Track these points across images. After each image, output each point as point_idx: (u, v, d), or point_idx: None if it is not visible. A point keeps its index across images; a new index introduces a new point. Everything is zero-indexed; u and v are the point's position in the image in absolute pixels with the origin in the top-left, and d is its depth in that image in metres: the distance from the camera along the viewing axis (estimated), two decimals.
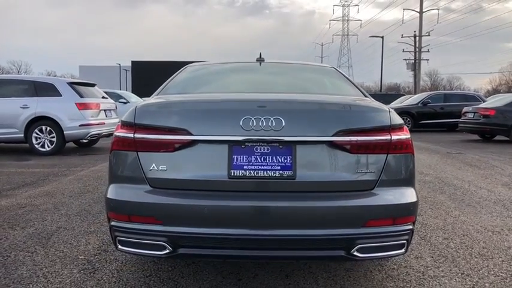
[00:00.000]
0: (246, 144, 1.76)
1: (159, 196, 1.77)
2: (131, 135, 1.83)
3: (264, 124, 1.74)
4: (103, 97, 8.28)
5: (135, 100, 14.46)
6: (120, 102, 12.30)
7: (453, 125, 12.99)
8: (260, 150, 1.77)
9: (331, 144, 1.78)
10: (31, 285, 2.15)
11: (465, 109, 11.02)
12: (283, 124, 1.75)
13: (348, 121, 1.81)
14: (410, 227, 1.82)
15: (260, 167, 1.75)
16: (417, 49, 32.50)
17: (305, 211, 1.71)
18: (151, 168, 1.80)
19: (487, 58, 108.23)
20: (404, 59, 33.33)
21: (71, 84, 7.62)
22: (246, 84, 2.64)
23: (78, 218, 3.39)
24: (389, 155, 1.83)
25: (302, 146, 1.77)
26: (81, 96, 7.45)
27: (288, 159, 1.76)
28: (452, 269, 2.40)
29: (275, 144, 1.77)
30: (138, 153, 1.82)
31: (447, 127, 14.20)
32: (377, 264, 2.44)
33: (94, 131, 7.53)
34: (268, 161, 1.76)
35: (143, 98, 16.02)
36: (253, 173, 1.75)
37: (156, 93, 2.42)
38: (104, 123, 7.82)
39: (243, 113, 1.76)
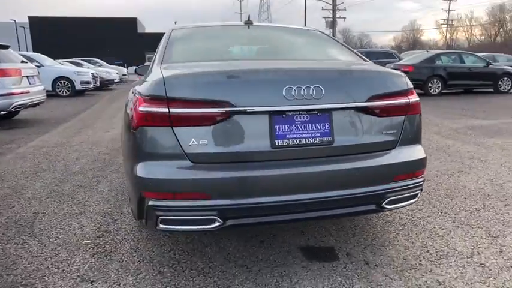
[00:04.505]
0: (287, 113, 1.79)
1: (204, 171, 1.73)
2: (165, 109, 1.71)
3: (306, 93, 1.78)
4: (22, 61, 7.21)
5: (50, 63, 12.86)
6: None
7: None
8: (300, 118, 1.81)
9: (363, 109, 1.90)
10: (46, 278, 1.98)
11: (388, 66, 12.07)
12: (323, 92, 1.81)
13: (378, 87, 1.93)
14: (423, 179, 2.08)
15: (301, 135, 1.81)
16: (335, 7, 33.77)
17: (344, 173, 1.84)
18: (190, 143, 1.73)
19: (391, 17, 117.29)
20: (324, 17, 34.52)
21: None
22: (254, 50, 2.59)
23: (53, 200, 3.09)
24: (406, 116, 2.02)
25: (338, 112, 1.86)
26: None
27: (326, 125, 1.84)
28: (432, 209, 2.81)
29: (314, 112, 1.83)
30: (174, 128, 1.72)
31: None
32: (373, 214, 2.74)
33: (18, 101, 6.59)
34: (309, 128, 1.82)
35: (58, 61, 14.05)
36: (296, 141, 1.80)
37: (157, 62, 2.24)
38: (29, 92, 6.89)
39: (284, 83, 1.77)
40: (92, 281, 1.95)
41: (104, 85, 16.49)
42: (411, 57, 12.75)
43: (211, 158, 1.75)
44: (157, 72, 1.94)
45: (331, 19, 33.68)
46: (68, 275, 2.01)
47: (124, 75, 22.53)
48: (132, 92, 2.39)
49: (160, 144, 1.75)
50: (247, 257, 2.17)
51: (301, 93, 1.78)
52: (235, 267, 2.06)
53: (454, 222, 2.58)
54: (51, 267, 2.09)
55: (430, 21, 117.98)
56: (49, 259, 2.17)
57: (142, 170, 1.78)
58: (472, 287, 1.84)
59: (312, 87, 1.79)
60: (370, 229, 2.51)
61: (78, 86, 13.12)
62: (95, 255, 2.20)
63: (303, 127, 1.81)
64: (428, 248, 2.23)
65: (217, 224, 1.75)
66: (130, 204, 2.23)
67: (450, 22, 61.78)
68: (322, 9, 34.10)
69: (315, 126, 1.83)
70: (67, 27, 40.49)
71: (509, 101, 10.14)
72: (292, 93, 1.77)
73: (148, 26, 55.02)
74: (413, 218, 2.67)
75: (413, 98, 2.05)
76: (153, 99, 1.75)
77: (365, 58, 2.54)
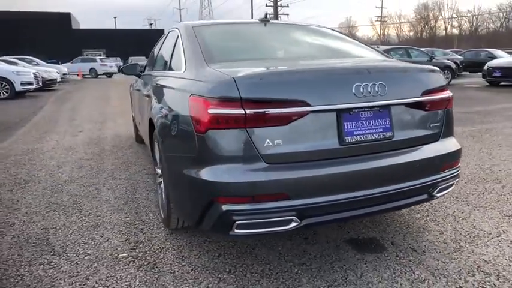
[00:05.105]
0: (354, 110, 1.82)
1: (281, 171, 1.70)
2: (240, 111, 1.65)
3: (372, 90, 1.82)
4: None
5: None
6: None
7: None
8: (365, 115, 1.85)
9: (417, 104, 1.99)
10: None
11: None
12: (386, 89, 1.86)
13: (428, 83, 2.04)
14: (460, 168, 2.24)
15: (366, 131, 1.85)
16: (277, 4, 34.34)
17: (406, 166, 1.91)
18: (265, 144, 1.69)
19: (329, 14, 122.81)
20: (267, 13, 34.85)
21: None
22: (295, 49, 2.58)
23: (57, 213, 2.81)
24: (446, 110, 2.16)
25: (396, 108, 1.93)
26: None
27: (387, 121, 1.90)
28: (444, 195, 3.00)
29: (376, 108, 1.87)
30: (248, 129, 1.67)
31: None
32: None
33: None
34: (372, 124, 1.86)
35: (2, 56, 12.73)
36: (362, 137, 1.84)
37: (198, 61, 2.12)
38: None
39: (354, 80, 1.79)
40: None
41: (46, 85, 15.17)
42: None
43: (285, 158, 1.72)
44: (214, 72, 1.85)
45: (274, 15, 34.27)
46: None
47: (65, 74, 20.90)
48: (159, 90, 2.27)
49: (234, 146, 1.69)
50: (300, 255, 2.16)
51: (368, 90, 1.81)
52: (295, 266, 2.05)
53: (468, 206, 2.80)
54: (98, 286, 1.91)
55: (364, 18, 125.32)
56: (91, 277, 1.98)
57: (212, 174, 1.70)
58: None
59: (377, 84, 1.83)
60: (399, 218, 2.63)
61: (18, 87, 11.92)
62: (141, 269, 2.06)
63: (367, 123, 1.85)
64: (460, 231, 2.40)
65: (294, 224, 1.73)
66: (182, 210, 2.11)
67: (383, 19, 65.95)
68: (266, 5, 34.61)
69: (377, 122, 1.88)
70: (17, 22, 36.63)
71: (454, 93, 11.13)
72: (361, 90, 1.80)
73: (82, 22, 51.59)
74: (431, 204, 2.85)
75: (450, 92, 2.19)
76: (225, 100, 1.67)
77: (388, 55, 2.65)
